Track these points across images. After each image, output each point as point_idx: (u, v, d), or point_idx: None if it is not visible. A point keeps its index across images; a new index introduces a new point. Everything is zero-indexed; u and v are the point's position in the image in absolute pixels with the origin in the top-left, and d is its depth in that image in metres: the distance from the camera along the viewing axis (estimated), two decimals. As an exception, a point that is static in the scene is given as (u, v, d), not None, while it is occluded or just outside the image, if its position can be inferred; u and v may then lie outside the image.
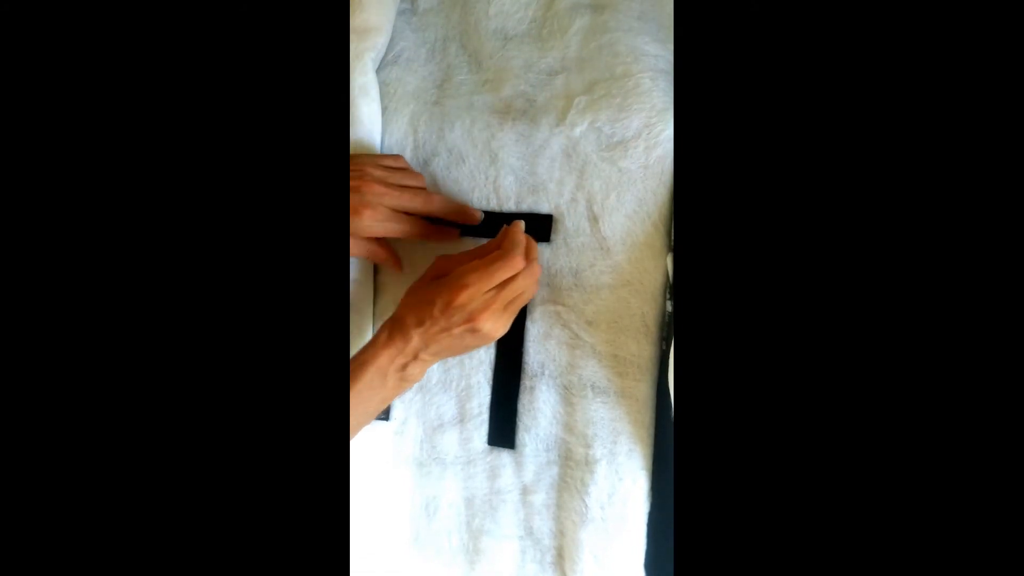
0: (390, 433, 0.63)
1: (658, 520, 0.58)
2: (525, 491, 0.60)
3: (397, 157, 0.61)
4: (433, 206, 0.59)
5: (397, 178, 0.58)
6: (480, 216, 0.60)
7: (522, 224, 0.55)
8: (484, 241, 0.58)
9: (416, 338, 0.52)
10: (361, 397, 0.53)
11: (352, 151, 0.63)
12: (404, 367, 0.54)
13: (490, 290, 0.51)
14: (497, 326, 0.53)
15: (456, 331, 0.52)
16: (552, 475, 0.60)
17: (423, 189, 0.60)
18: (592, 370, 0.58)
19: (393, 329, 0.53)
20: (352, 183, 0.57)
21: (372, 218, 0.56)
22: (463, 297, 0.50)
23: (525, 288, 0.53)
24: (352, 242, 0.58)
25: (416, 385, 0.62)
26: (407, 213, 0.58)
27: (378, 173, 0.58)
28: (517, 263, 0.52)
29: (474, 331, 0.52)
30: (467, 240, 0.61)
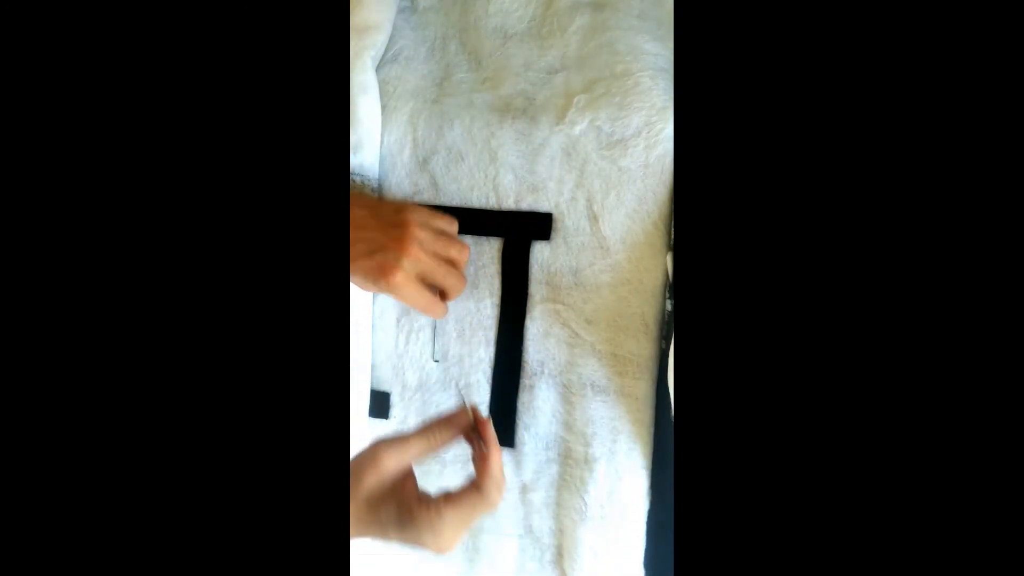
0: (390, 432, 0.63)
1: (657, 518, 0.58)
2: (525, 489, 0.60)
3: (451, 220, 0.57)
4: (458, 294, 0.57)
5: (441, 246, 0.55)
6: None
7: (499, 455, 0.49)
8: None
9: (363, 536, 0.47)
10: None
11: (352, 148, 0.63)
12: None
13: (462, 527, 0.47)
14: (455, 544, 0.48)
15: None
16: (551, 473, 0.60)
17: (459, 268, 0.57)
18: (591, 369, 0.58)
19: None
20: (393, 243, 0.53)
21: (394, 280, 0.53)
22: (433, 547, 0.46)
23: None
24: (402, 288, 0.54)
25: (416, 384, 0.62)
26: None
27: (422, 235, 0.54)
28: (495, 501, 0.47)
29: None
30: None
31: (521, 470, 0.60)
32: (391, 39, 0.66)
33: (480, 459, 0.49)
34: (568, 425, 0.59)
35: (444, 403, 0.62)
